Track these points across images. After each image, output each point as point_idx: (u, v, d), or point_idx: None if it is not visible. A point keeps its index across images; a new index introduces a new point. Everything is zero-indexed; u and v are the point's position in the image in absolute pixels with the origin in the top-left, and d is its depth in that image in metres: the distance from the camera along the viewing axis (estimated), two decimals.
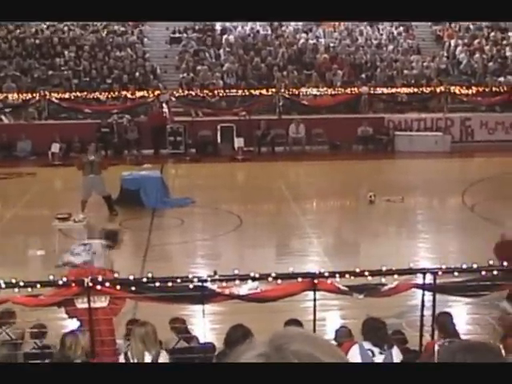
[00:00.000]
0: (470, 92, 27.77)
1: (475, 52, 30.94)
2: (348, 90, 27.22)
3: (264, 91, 26.74)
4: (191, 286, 8.58)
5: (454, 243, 16.14)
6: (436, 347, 7.86)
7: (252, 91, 26.74)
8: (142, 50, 30.43)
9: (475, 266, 9.42)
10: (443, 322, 8.52)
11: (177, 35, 31.21)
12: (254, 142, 25.70)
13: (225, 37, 30.86)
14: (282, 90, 26.83)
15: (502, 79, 28.90)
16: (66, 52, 29.55)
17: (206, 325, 9.00)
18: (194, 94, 27.01)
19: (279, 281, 8.81)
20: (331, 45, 30.97)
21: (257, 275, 8.72)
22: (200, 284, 8.61)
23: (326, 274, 8.94)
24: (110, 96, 26.85)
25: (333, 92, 27.35)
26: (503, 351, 7.04)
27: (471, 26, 32.54)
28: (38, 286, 8.50)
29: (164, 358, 7.73)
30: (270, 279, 8.72)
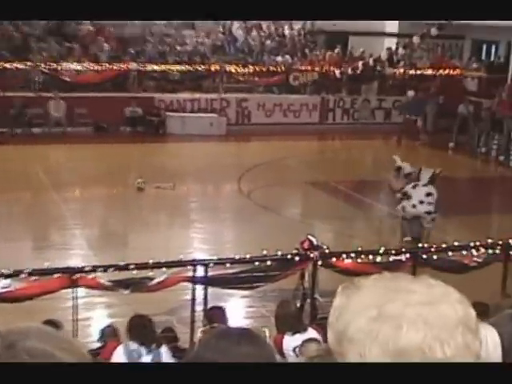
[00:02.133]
0: (246, 71, 28.63)
1: (252, 29, 31.92)
2: (115, 66, 27.08)
3: (19, 65, 25.95)
4: None
5: (229, 232, 16.62)
6: (198, 335, 8.13)
7: (4, 64, 25.85)
8: None
9: (248, 256, 9.79)
10: (214, 317, 8.78)
11: None
12: (7, 122, 24.87)
13: None
14: (40, 64, 26.16)
15: (279, 58, 30.04)
16: None
17: None
18: None
19: (34, 277, 8.66)
20: None
21: (8, 272, 8.51)
22: None
23: (88, 269, 8.91)
24: None
25: (98, 68, 27.09)
26: (269, 339, 7.40)
27: None
28: None
29: None
30: (23, 276, 8.55)
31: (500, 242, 10.70)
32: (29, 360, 1.44)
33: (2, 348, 1.46)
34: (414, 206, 14.62)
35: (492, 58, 31.89)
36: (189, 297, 9.81)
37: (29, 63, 26.05)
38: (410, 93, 27.31)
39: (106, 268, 9.05)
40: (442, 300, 1.61)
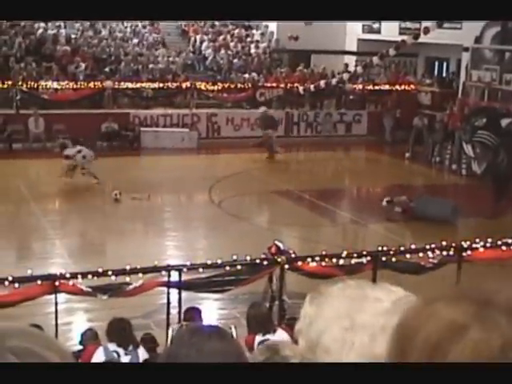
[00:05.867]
0: (215, 88, 28.66)
1: (220, 48, 31.96)
2: (91, 84, 26.98)
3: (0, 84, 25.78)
4: None
5: (201, 240, 16.59)
6: (170, 332, 8.11)
7: None
8: None
9: (220, 261, 9.81)
10: (191, 317, 8.79)
11: None
12: None
13: None
14: (20, 83, 26.00)
15: (246, 76, 30.10)
16: None
17: None
18: None
19: (17, 285, 8.60)
20: (73, 36, 30.49)
21: None
22: None
23: (68, 276, 8.86)
24: None
25: (75, 86, 26.96)
26: (235, 335, 7.42)
27: (216, 23, 33.52)
28: None
29: None
30: (6, 283, 8.49)
31: (453, 245, 10.81)
32: (14, 360, 1.42)
33: None
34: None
35: (443, 74, 32.23)
36: (164, 301, 9.80)
37: (9, 82, 25.86)
38: (262, 108, 26.44)
39: (85, 274, 9.01)
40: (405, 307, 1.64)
